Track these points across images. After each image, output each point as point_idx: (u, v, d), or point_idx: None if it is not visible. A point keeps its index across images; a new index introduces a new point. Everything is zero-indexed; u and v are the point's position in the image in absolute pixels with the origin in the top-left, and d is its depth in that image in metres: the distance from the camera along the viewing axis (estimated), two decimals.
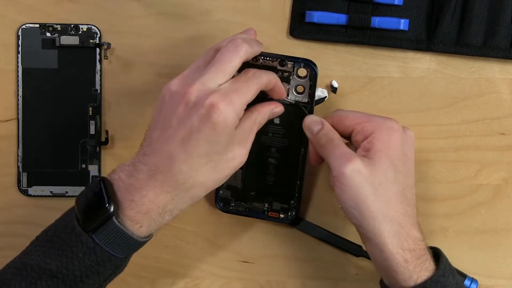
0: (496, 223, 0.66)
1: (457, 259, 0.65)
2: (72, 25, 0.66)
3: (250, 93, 0.54)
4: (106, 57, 0.66)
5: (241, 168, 0.60)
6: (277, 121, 0.62)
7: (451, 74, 0.66)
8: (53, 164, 0.67)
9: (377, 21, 0.64)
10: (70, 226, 0.52)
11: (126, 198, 0.52)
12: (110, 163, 0.67)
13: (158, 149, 0.53)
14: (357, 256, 0.66)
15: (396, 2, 0.64)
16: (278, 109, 0.58)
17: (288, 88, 0.60)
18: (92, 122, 0.66)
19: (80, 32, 0.66)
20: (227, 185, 0.64)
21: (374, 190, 0.54)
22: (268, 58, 0.59)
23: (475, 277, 0.65)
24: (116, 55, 0.67)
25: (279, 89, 0.58)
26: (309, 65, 0.60)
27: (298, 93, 0.60)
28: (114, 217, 0.51)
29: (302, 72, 0.60)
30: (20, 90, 0.66)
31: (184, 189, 0.53)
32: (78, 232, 0.52)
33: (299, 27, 0.66)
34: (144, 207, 0.52)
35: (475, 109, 0.66)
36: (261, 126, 0.57)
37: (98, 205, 0.52)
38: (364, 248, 0.64)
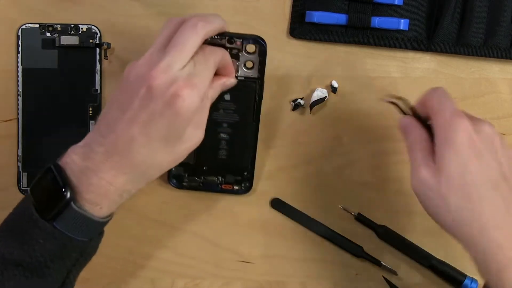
0: None
1: (457, 259, 0.65)
2: (72, 25, 0.66)
3: (210, 73, 0.54)
4: (106, 57, 0.66)
5: None
6: (227, 97, 0.62)
7: (451, 74, 0.66)
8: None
9: (377, 21, 0.64)
10: (28, 214, 0.52)
11: (83, 182, 0.51)
12: None
13: (117, 130, 0.52)
14: (358, 256, 0.66)
15: (396, 2, 0.64)
16: (230, 81, 0.58)
17: (238, 65, 0.60)
18: (92, 122, 0.66)
19: (80, 32, 0.66)
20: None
21: (446, 199, 0.51)
22: (216, 37, 0.57)
23: (475, 277, 0.65)
24: (116, 55, 0.67)
25: (229, 66, 0.57)
26: (258, 41, 0.59)
27: (247, 68, 0.61)
28: (72, 203, 0.51)
29: (251, 48, 0.60)
30: (20, 90, 0.66)
31: (142, 171, 0.53)
32: (35, 219, 0.51)
33: (299, 27, 0.66)
34: (103, 189, 0.52)
35: (475, 109, 0.66)
36: (213, 101, 0.57)
37: (55, 193, 0.51)
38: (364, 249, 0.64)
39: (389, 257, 0.67)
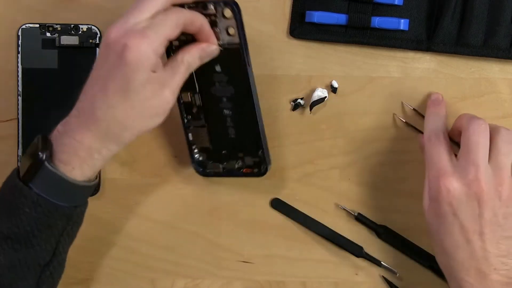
0: None
1: None
2: (72, 25, 0.66)
3: (167, 27, 0.53)
4: None
5: (204, 126, 0.62)
6: (218, 69, 0.60)
7: (451, 74, 0.66)
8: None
9: (377, 21, 0.64)
10: (12, 184, 0.54)
11: (58, 144, 0.54)
12: (110, 163, 0.67)
13: (85, 92, 0.54)
14: (358, 256, 0.66)
15: (396, 2, 0.64)
16: (211, 48, 0.57)
17: (218, 32, 0.58)
18: None
19: (80, 32, 0.66)
20: (200, 148, 0.64)
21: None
22: (192, 5, 0.57)
23: None
24: None
25: (206, 31, 0.56)
26: (230, 3, 0.57)
27: (230, 35, 0.58)
28: (46, 162, 0.53)
29: (228, 12, 0.57)
30: (20, 90, 0.66)
31: (105, 128, 0.54)
32: (20, 187, 0.53)
33: (299, 27, 0.66)
34: (73, 148, 0.54)
35: (475, 109, 0.66)
36: (193, 67, 0.56)
37: (33, 156, 0.53)
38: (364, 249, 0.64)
39: (389, 257, 0.67)
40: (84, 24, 0.66)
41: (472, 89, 0.66)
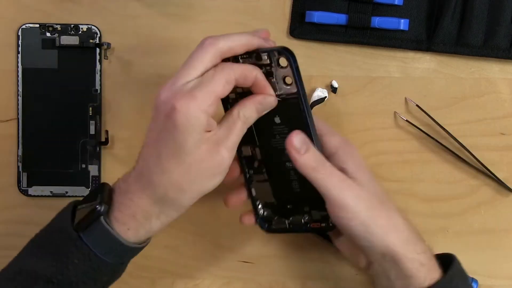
0: (496, 223, 0.66)
1: None
2: (72, 25, 0.66)
3: (217, 86, 0.50)
4: (106, 57, 0.66)
5: (267, 180, 0.59)
6: (278, 120, 0.57)
7: (451, 74, 0.66)
8: (53, 164, 0.67)
9: (377, 21, 0.64)
10: (64, 229, 0.53)
11: (117, 201, 0.53)
12: (110, 163, 0.67)
13: (141, 153, 0.53)
14: None
15: (396, 2, 0.64)
16: (268, 100, 0.54)
17: (274, 82, 0.55)
18: (92, 122, 0.66)
19: (80, 32, 0.66)
20: (265, 203, 0.61)
21: (378, 205, 0.54)
22: (245, 56, 0.54)
23: (475, 277, 0.65)
24: (116, 55, 0.67)
25: (262, 83, 0.53)
26: (284, 52, 0.53)
27: (287, 84, 0.55)
28: (102, 217, 0.52)
29: (283, 61, 0.54)
30: (20, 90, 0.66)
31: (163, 193, 0.52)
32: (74, 237, 0.52)
33: (299, 27, 0.66)
34: (131, 210, 0.52)
35: (475, 109, 0.66)
36: (250, 122, 0.54)
37: (92, 208, 0.52)
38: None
39: None
40: (84, 24, 0.66)
41: (472, 89, 0.66)
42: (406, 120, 0.66)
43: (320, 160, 0.54)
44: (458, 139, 0.65)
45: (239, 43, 0.52)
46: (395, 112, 0.66)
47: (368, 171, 0.56)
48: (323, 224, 0.59)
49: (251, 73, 0.53)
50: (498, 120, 0.66)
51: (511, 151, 0.66)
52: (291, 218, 0.60)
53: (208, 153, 0.51)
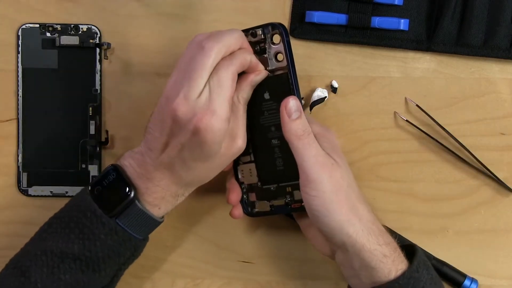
0: (496, 223, 0.66)
1: (457, 259, 0.65)
2: (72, 25, 0.66)
3: (228, 90, 0.54)
4: (106, 57, 0.66)
5: (253, 162, 0.61)
6: (267, 96, 0.59)
7: (451, 74, 0.66)
8: (53, 164, 0.67)
9: (377, 21, 0.64)
10: (91, 210, 0.55)
11: (141, 186, 0.56)
12: (110, 163, 0.67)
13: (157, 151, 0.55)
14: None
15: (396, 2, 0.64)
16: (258, 76, 0.58)
17: (267, 58, 0.58)
18: (92, 122, 0.66)
19: (80, 32, 0.66)
20: (249, 186, 0.62)
21: (344, 192, 0.55)
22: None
23: (475, 277, 0.65)
24: (116, 55, 0.67)
25: (254, 63, 0.57)
26: (277, 26, 0.57)
27: (278, 61, 0.58)
28: (136, 201, 0.55)
29: (276, 38, 0.58)
30: (20, 90, 0.66)
31: (189, 182, 0.57)
32: (100, 215, 0.55)
33: (299, 27, 0.66)
34: (160, 194, 0.56)
35: (475, 109, 0.66)
36: (247, 100, 0.58)
37: (120, 191, 0.55)
38: None
39: None
40: (84, 24, 0.66)
41: (472, 89, 0.66)
42: (406, 120, 0.66)
43: (307, 130, 0.56)
44: (458, 139, 0.65)
45: (235, 41, 0.55)
46: (395, 112, 0.66)
47: (344, 159, 0.58)
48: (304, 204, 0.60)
49: (246, 60, 0.56)
50: (498, 120, 0.66)
51: (511, 151, 0.66)
52: (272, 201, 0.62)
53: (228, 148, 0.56)
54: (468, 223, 0.66)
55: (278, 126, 0.58)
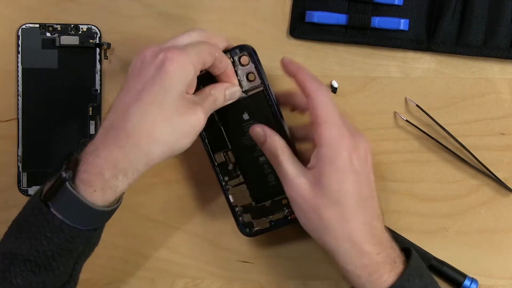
0: (496, 223, 0.66)
1: (457, 259, 0.65)
2: (72, 25, 0.66)
3: (205, 51, 0.54)
4: (106, 57, 0.66)
5: (243, 183, 0.62)
6: (246, 116, 0.60)
7: (451, 74, 0.66)
8: (53, 164, 0.67)
9: (377, 21, 0.64)
10: (37, 206, 0.52)
11: (82, 163, 0.52)
12: None
13: (114, 108, 0.53)
14: None
15: (396, 2, 0.64)
16: (234, 88, 0.58)
17: (240, 79, 0.59)
18: (92, 122, 0.66)
19: (80, 32, 0.66)
20: (243, 208, 0.63)
21: (319, 211, 0.54)
22: None
23: (475, 277, 0.65)
24: (116, 55, 0.67)
25: (230, 73, 0.58)
26: (245, 49, 0.59)
27: (250, 80, 0.60)
28: (67, 183, 0.51)
29: (244, 60, 0.59)
30: (20, 90, 0.66)
31: (136, 142, 0.52)
32: (44, 211, 0.52)
33: (299, 27, 0.66)
34: (97, 168, 0.51)
35: (475, 109, 0.66)
36: (217, 105, 0.57)
37: (56, 176, 0.52)
38: None
39: None
40: (84, 24, 0.66)
41: (472, 89, 0.66)
42: (406, 120, 0.66)
43: (273, 154, 0.57)
44: (458, 139, 0.65)
45: (219, 39, 0.58)
46: (395, 112, 0.66)
47: (338, 170, 0.54)
48: None
49: (226, 60, 0.57)
50: (498, 120, 0.66)
51: (511, 151, 0.66)
52: (270, 216, 0.62)
53: (187, 109, 0.53)
54: (468, 223, 0.66)
55: None
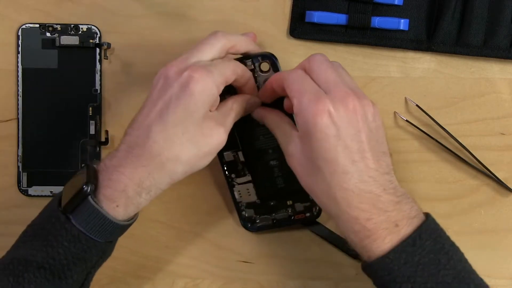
0: (496, 223, 0.66)
1: None
2: (72, 25, 0.66)
3: (227, 70, 0.55)
4: (106, 57, 0.66)
5: (250, 182, 0.62)
6: (262, 122, 0.61)
7: (451, 74, 0.66)
8: (53, 164, 0.67)
9: (377, 21, 0.64)
10: (54, 215, 0.53)
11: (104, 178, 0.52)
12: None
13: (137, 125, 0.53)
14: (355, 258, 0.66)
15: (396, 2, 0.64)
16: (254, 100, 0.59)
17: (258, 85, 0.60)
18: (92, 122, 0.67)
19: (80, 32, 0.66)
20: (247, 204, 0.64)
21: (309, 178, 0.53)
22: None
23: None
24: (116, 55, 0.67)
25: (252, 85, 0.59)
26: (268, 57, 0.60)
27: None
28: (90, 197, 0.51)
29: (265, 66, 0.60)
30: (20, 90, 0.66)
31: (160, 163, 0.52)
32: (62, 220, 0.52)
33: (299, 27, 0.66)
34: (121, 185, 0.52)
35: (475, 109, 0.66)
36: (238, 117, 0.57)
37: (78, 188, 0.52)
38: None
39: None
40: (84, 24, 0.66)
41: (472, 89, 0.66)
42: (406, 120, 0.66)
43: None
44: (458, 139, 0.65)
45: (244, 43, 0.58)
46: (395, 112, 0.66)
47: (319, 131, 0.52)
48: (308, 214, 0.64)
49: (248, 74, 0.58)
50: (498, 120, 0.66)
51: (511, 151, 0.66)
52: (274, 214, 0.63)
53: (210, 129, 0.54)
54: (468, 223, 0.66)
55: (275, 149, 0.61)
